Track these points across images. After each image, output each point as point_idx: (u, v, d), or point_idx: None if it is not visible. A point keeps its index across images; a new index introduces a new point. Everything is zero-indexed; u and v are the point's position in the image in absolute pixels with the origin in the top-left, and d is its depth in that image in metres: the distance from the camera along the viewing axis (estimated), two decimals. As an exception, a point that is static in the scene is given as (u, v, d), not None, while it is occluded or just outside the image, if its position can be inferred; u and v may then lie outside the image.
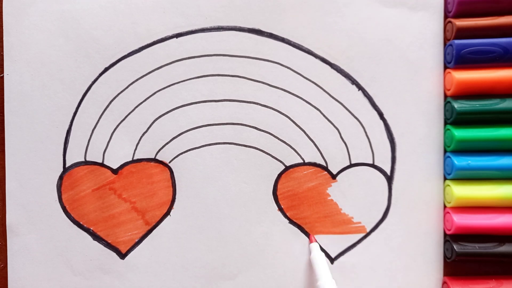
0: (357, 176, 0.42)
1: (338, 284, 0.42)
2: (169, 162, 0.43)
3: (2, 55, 0.44)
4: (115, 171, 0.43)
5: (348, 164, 0.42)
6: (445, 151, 0.42)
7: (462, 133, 0.40)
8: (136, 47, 0.43)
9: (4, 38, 0.43)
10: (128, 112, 0.43)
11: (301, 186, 0.43)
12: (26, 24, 0.43)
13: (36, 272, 0.44)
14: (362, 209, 0.42)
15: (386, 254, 0.42)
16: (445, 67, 0.41)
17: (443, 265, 0.42)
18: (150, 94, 0.43)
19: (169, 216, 0.43)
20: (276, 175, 0.43)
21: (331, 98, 0.42)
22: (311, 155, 0.42)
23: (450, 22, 0.41)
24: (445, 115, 0.42)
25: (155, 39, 0.43)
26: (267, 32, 0.42)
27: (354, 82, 0.42)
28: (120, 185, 0.43)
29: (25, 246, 0.44)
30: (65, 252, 0.44)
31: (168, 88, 0.43)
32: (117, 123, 0.43)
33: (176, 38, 0.43)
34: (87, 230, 0.44)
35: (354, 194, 0.42)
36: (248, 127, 0.43)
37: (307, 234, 0.43)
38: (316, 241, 0.42)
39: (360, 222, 0.42)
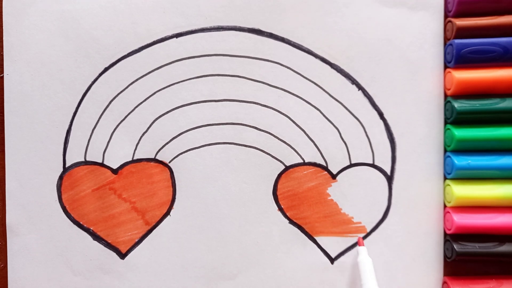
0: (357, 176, 0.42)
1: (338, 284, 0.42)
2: (169, 162, 0.43)
3: (2, 55, 0.44)
4: (115, 171, 0.43)
5: (348, 164, 0.42)
6: (445, 151, 0.42)
7: (462, 133, 0.40)
8: (136, 47, 0.43)
9: (4, 38, 0.43)
10: (128, 112, 0.43)
11: (301, 186, 0.43)
12: (26, 24, 0.43)
13: (36, 272, 0.44)
14: (362, 209, 0.42)
15: (386, 254, 0.42)
16: (445, 67, 0.41)
17: (443, 265, 0.42)
18: (150, 94, 0.43)
19: (169, 216, 0.43)
20: (276, 175, 0.43)
21: (331, 98, 0.42)
22: (311, 155, 0.42)
23: (450, 21, 0.41)
24: (445, 114, 0.42)
25: (155, 39, 0.43)
26: (267, 32, 0.42)
27: (354, 82, 0.42)
28: (120, 185, 0.43)
29: (25, 246, 0.44)
30: (65, 252, 0.44)
31: (168, 88, 0.43)
32: (117, 123, 0.43)
33: (176, 38, 0.43)
34: (87, 230, 0.44)
35: (354, 194, 0.42)
36: (248, 127, 0.43)
37: (307, 234, 0.43)
38: (363, 245, 0.42)
39: (360, 222, 0.42)
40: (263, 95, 0.42)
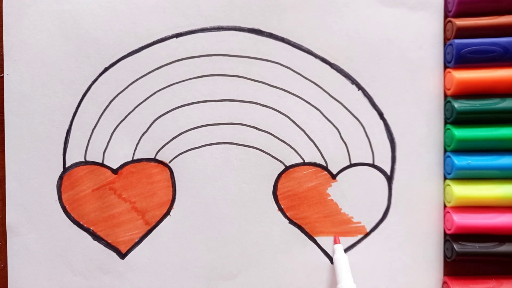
0: (357, 176, 0.42)
1: (338, 284, 0.42)
2: (169, 162, 0.43)
3: (2, 55, 0.44)
4: (115, 171, 0.43)
5: (348, 164, 0.42)
6: (445, 151, 0.42)
7: (462, 133, 0.40)
8: (136, 47, 0.43)
9: (4, 38, 0.43)
10: (128, 112, 0.43)
11: (301, 186, 0.43)
12: (26, 24, 0.43)
13: (36, 272, 0.44)
14: (362, 209, 0.42)
15: (386, 254, 0.42)
16: (445, 67, 0.41)
17: (443, 265, 0.42)
18: (150, 94, 0.43)
19: (169, 216, 0.43)
20: (276, 175, 0.43)
21: (331, 98, 0.42)
22: (311, 155, 0.42)
23: (450, 21, 0.41)
24: (445, 114, 0.42)
25: (155, 39, 0.43)
26: (267, 32, 0.42)
27: (354, 82, 0.42)
28: (120, 185, 0.43)
29: (25, 246, 0.44)
30: (65, 252, 0.44)
31: (168, 88, 0.43)
32: (117, 123, 0.43)
33: (176, 38, 0.43)
34: (87, 230, 0.44)
35: (354, 194, 0.42)
36: (248, 127, 0.43)
37: (307, 234, 0.43)
38: (340, 242, 0.42)
39: (360, 222, 0.42)
40: (263, 95, 0.42)
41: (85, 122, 0.43)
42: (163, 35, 0.43)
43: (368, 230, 0.42)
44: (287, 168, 0.43)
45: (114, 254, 0.44)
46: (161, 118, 0.43)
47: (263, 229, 0.43)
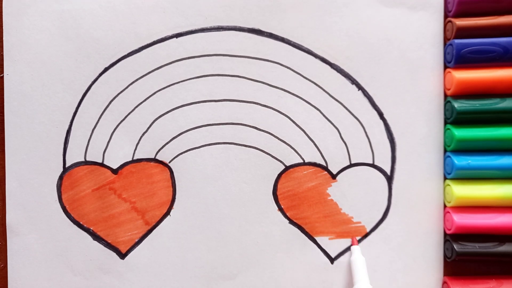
0: (357, 176, 0.42)
1: (338, 284, 0.42)
2: (169, 162, 0.43)
3: (2, 55, 0.44)
4: (115, 171, 0.43)
5: (348, 164, 0.42)
6: (445, 151, 0.42)
7: (462, 133, 0.40)
8: (136, 47, 0.43)
9: (4, 38, 0.43)
10: (128, 112, 0.43)
11: (301, 186, 0.43)
12: (26, 24, 0.43)
13: (36, 272, 0.44)
14: (362, 209, 0.42)
15: (386, 254, 0.42)
16: (445, 67, 0.41)
17: (443, 265, 0.42)
18: (150, 94, 0.43)
19: (169, 216, 0.43)
20: (276, 175, 0.43)
21: (331, 98, 0.42)
22: (311, 155, 0.42)
23: (450, 21, 0.41)
24: (445, 114, 0.42)
25: (155, 39, 0.43)
26: (267, 32, 0.42)
27: (354, 82, 0.42)
28: (120, 185, 0.43)
29: (25, 246, 0.44)
30: (65, 252, 0.44)
31: (168, 88, 0.43)
32: (117, 123, 0.43)
33: (176, 38, 0.43)
34: (87, 230, 0.44)
35: (354, 194, 0.42)
36: (248, 127, 0.43)
37: (307, 234, 0.43)
38: (357, 244, 0.42)
39: (360, 222, 0.42)
40: (263, 95, 0.42)
41: (85, 122, 0.43)
42: (163, 35, 0.43)
43: (368, 230, 0.42)
44: (287, 168, 0.43)
45: (114, 254, 0.44)
46: (161, 118, 0.43)
47: (263, 229, 0.43)
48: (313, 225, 0.43)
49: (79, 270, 0.44)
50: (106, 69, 0.43)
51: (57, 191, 0.44)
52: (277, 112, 0.42)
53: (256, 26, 0.42)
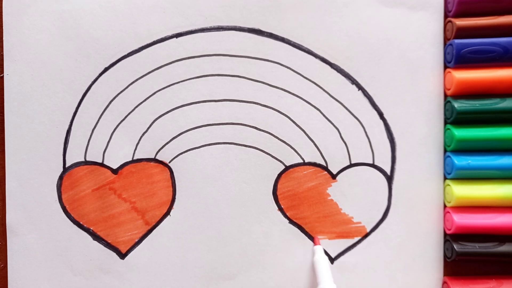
0: (357, 176, 0.42)
1: (338, 284, 0.42)
2: (169, 162, 0.43)
3: (2, 55, 0.44)
4: (115, 171, 0.43)
5: (348, 164, 0.42)
6: (445, 151, 0.42)
7: (462, 133, 0.40)
8: (136, 47, 0.43)
9: (4, 38, 0.43)
10: (128, 112, 0.43)
11: (301, 186, 0.43)
12: (26, 24, 0.43)
13: (36, 272, 0.44)
14: (362, 209, 0.42)
15: (386, 254, 0.42)
16: (445, 67, 0.41)
17: (443, 265, 0.42)
18: (150, 94, 0.43)
19: (169, 216, 0.43)
20: (276, 175, 0.43)
21: (331, 98, 0.42)
22: (311, 155, 0.42)
23: (450, 21, 0.41)
24: (445, 114, 0.42)
25: (155, 39, 0.43)
26: (267, 32, 0.42)
27: (354, 82, 0.42)
28: (120, 185, 0.43)
29: (25, 246, 0.44)
30: (65, 252, 0.44)
31: (168, 88, 0.43)
32: (117, 123, 0.43)
33: (176, 38, 0.43)
34: (87, 230, 0.44)
35: (354, 194, 0.42)
36: (248, 127, 0.43)
37: (307, 234, 0.43)
38: (320, 244, 0.42)
39: (360, 222, 0.42)
40: (263, 95, 0.42)
41: (85, 122, 0.43)
42: (163, 35, 0.43)
43: (368, 230, 0.42)
44: (287, 168, 0.43)
45: (114, 254, 0.44)
46: (161, 118, 0.43)
47: (263, 229, 0.43)
48: (313, 225, 0.43)
49: (79, 270, 0.44)
50: (106, 69, 0.43)
51: (57, 191, 0.44)
52: (277, 112, 0.42)
53: (256, 26, 0.42)
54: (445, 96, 0.42)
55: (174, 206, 0.43)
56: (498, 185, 0.40)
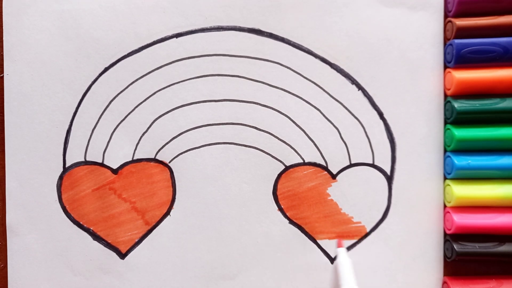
0: (357, 176, 0.42)
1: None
2: (169, 162, 0.43)
3: (2, 55, 0.44)
4: (115, 171, 0.43)
5: (348, 164, 0.42)
6: (445, 151, 0.42)
7: (462, 133, 0.40)
8: (136, 47, 0.43)
9: (4, 38, 0.43)
10: (128, 112, 0.43)
11: (301, 186, 0.43)
12: (26, 24, 0.43)
13: (36, 272, 0.44)
14: (362, 209, 0.42)
15: (386, 254, 0.42)
16: (445, 67, 0.41)
17: (443, 265, 0.42)
18: (150, 94, 0.43)
19: (169, 216, 0.43)
20: (276, 175, 0.43)
21: (331, 98, 0.42)
22: (311, 155, 0.42)
23: (450, 21, 0.41)
24: (445, 114, 0.42)
25: (155, 39, 0.43)
26: (267, 32, 0.42)
27: (354, 82, 0.42)
28: (120, 185, 0.43)
29: (25, 246, 0.44)
30: (65, 252, 0.44)
31: (168, 88, 0.43)
32: (117, 123, 0.43)
33: (176, 38, 0.43)
34: (87, 230, 0.44)
35: (354, 194, 0.42)
36: (248, 127, 0.43)
37: (307, 234, 0.43)
38: (343, 246, 0.42)
39: (360, 222, 0.42)
40: (263, 95, 0.42)
41: (85, 122, 0.43)
42: (163, 35, 0.43)
43: (368, 230, 0.42)
44: (287, 168, 0.43)
45: (114, 254, 0.44)
46: (161, 118, 0.43)
47: (263, 229, 0.43)
48: (313, 225, 0.43)
49: (79, 270, 0.44)
50: (106, 69, 0.43)
51: (57, 191, 0.44)
52: (277, 112, 0.42)
53: (256, 26, 0.42)
54: (445, 96, 0.42)
55: (174, 206, 0.43)
56: (498, 185, 0.40)
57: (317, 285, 0.43)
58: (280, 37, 0.42)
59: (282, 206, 0.43)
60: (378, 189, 0.42)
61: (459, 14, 0.40)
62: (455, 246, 0.40)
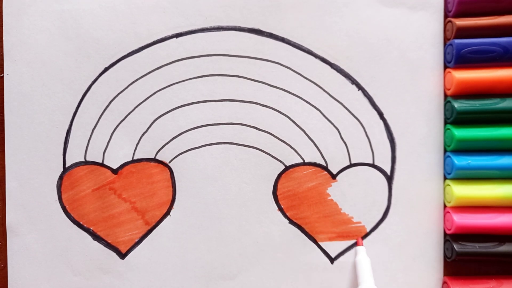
0: (357, 176, 0.42)
1: (338, 284, 0.42)
2: (169, 162, 0.43)
3: (2, 55, 0.44)
4: (115, 171, 0.43)
5: (348, 164, 0.42)
6: (445, 151, 0.42)
7: (462, 133, 0.40)
8: (136, 47, 0.43)
9: (4, 38, 0.43)
10: (128, 112, 0.43)
11: (301, 186, 0.43)
12: (26, 24, 0.43)
13: (36, 272, 0.44)
14: (362, 209, 0.42)
15: (386, 254, 0.42)
16: (445, 67, 0.41)
17: (443, 265, 0.42)
18: (150, 94, 0.43)
19: (169, 216, 0.43)
20: (276, 175, 0.43)
21: (331, 98, 0.42)
22: (311, 155, 0.42)
23: (450, 21, 0.41)
24: (445, 114, 0.42)
25: (155, 39, 0.43)
26: (267, 32, 0.42)
27: (354, 82, 0.42)
28: (120, 185, 0.43)
29: (25, 246, 0.44)
30: (65, 252, 0.44)
31: (168, 88, 0.43)
32: (117, 123, 0.43)
33: (176, 38, 0.43)
34: (87, 230, 0.44)
35: (354, 194, 0.42)
36: (248, 127, 0.43)
37: (307, 234, 0.43)
38: (362, 244, 0.42)
39: (360, 222, 0.42)
40: (263, 95, 0.42)
41: (85, 122, 0.43)
42: (163, 35, 0.43)
43: (368, 230, 0.42)
44: (287, 168, 0.43)
45: (114, 254, 0.44)
46: (161, 118, 0.43)
47: (263, 229, 0.43)
48: (313, 225, 0.43)
49: (79, 270, 0.44)
50: (106, 69, 0.43)
51: (57, 191, 0.44)
52: (277, 112, 0.42)
53: (256, 26, 0.42)
54: (445, 96, 0.42)
55: (174, 206, 0.43)
56: (498, 185, 0.40)
57: (317, 285, 0.43)
58: (280, 37, 0.42)
59: (282, 206, 0.43)
60: (378, 189, 0.42)
61: (459, 14, 0.40)
62: (455, 246, 0.40)
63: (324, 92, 0.42)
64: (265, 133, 0.43)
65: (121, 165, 0.43)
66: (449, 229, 0.41)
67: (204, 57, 0.43)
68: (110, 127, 0.43)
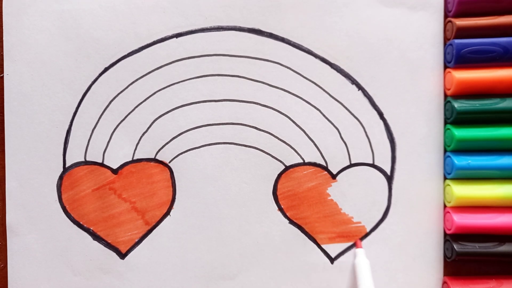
0: (357, 176, 0.42)
1: (338, 284, 0.42)
2: (169, 162, 0.43)
3: (2, 55, 0.44)
4: (115, 171, 0.43)
5: (348, 164, 0.42)
6: (445, 151, 0.42)
7: (462, 133, 0.40)
8: (136, 47, 0.43)
9: (4, 38, 0.43)
10: (128, 112, 0.43)
11: (301, 186, 0.43)
12: (26, 24, 0.43)
13: (36, 272, 0.44)
14: (362, 209, 0.42)
15: (386, 254, 0.42)
16: (445, 67, 0.41)
17: (443, 265, 0.42)
18: (150, 94, 0.43)
19: (169, 216, 0.43)
20: (276, 175, 0.43)
21: (331, 98, 0.42)
22: (311, 155, 0.42)
23: (450, 21, 0.41)
24: (445, 114, 0.42)
25: (155, 39, 0.43)
26: (267, 32, 0.42)
27: (354, 82, 0.42)
28: (120, 185, 0.43)
29: (25, 246, 0.44)
30: (65, 252, 0.44)
31: (168, 88, 0.43)
32: (117, 123, 0.43)
33: (176, 38, 0.43)
34: (87, 230, 0.44)
35: (354, 194, 0.42)
36: (248, 127, 0.43)
37: (307, 234, 0.43)
38: (361, 247, 0.42)
39: (360, 222, 0.42)
40: (263, 95, 0.42)
41: (85, 122, 0.43)
42: (163, 35, 0.43)
43: (368, 230, 0.42)
44: (287, 168, 0.43)
45: (114, 254, 0.44)
46: (161, 118, 0.43)
47: (263, 229, 0.43)
48: (313, 225, 0.43)
49: (79, 270, 0.44)
50: (106, 69, 0.43)
51: (57, 191, 0.44)
52: (277, 112, 0.42)
53: (256, 26, 0.42)
54: (445, 96, 0.42)
55: (174, 206, 0.43)
56: (498, 185, 0.40)
57: (317, 285, 0.43)
58: (280, 37, 0.42)
59: (282, 206, 0.43)
60: (378, 189, 0.42)
61: (459, 14, 0.40)
62: (455, 246, 0.40)
63: (324, 92, 0.42)
64: (265, 133, 0.43)
65: (121, 165, 0.43)
66: (449, 229, 0.41)
67: (204, 57, 0.43)
68: (110, 127, 0.43)
